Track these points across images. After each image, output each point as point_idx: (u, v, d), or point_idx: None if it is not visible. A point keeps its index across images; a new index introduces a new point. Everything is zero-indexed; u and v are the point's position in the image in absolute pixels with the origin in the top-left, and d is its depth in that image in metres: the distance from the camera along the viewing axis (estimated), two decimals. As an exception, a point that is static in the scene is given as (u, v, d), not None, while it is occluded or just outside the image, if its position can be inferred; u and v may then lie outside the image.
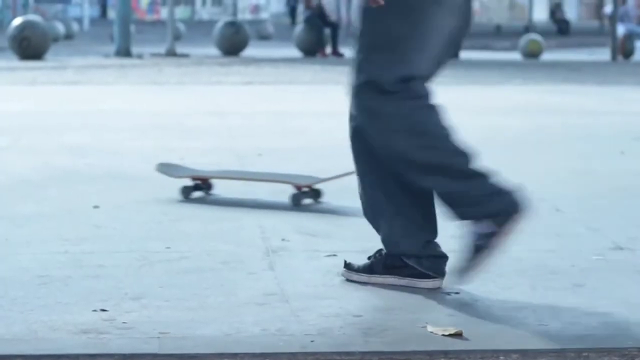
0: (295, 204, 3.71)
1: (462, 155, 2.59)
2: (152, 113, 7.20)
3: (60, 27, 23.75)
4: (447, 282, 2.71)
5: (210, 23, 23.69)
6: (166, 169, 3.93)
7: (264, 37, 24.81)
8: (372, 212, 2.70)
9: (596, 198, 4.04)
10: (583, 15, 55.73)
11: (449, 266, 2.68)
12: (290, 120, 6.79)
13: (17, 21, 14.89)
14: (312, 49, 17.75)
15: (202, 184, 3.92)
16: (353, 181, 4.31)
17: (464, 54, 20.75)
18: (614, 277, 2.84)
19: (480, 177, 2.58)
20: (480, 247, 2.58)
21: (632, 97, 9.15)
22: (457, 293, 2.65)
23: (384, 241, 2.70)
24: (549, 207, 3.83)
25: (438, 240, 2.71)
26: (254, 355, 2.20)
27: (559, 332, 2.37)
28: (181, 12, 35.80)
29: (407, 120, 2.58)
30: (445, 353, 2.22)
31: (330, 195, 4.02)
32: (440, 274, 2.66)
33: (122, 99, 8.42)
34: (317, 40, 17.75)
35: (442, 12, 2.59)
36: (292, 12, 34.13)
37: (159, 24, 29.54)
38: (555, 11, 43.34)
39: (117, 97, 8.60)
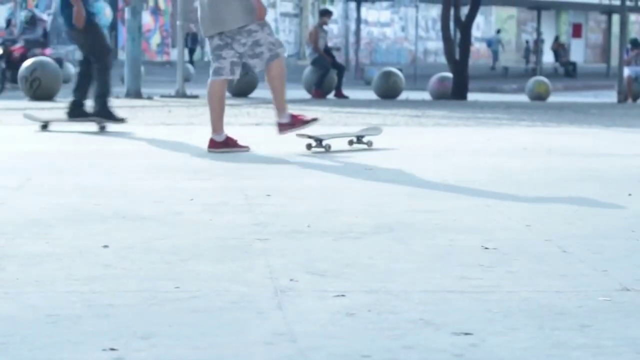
0: None
1: None
2: (161, 153, 7.25)
3: (71, 68, 23.89)
4: (456, 323, 2.72)
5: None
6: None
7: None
8: None
9: (603, 239, 4.05)
10: (590, 58, 55.91)
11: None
12: (299, 160, 6.82)
13: (28, 62, 15.01)
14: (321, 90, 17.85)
15: None
16: (362, 220, 4.33)
17: (472, 96, 20.78)
18: (621, 318, 2.84)
19: None
20: None
21: (639, 139, 9.17)
22: (466, 334, 2.66)
23: None
24: (556, 248, 3.85)
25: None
26: (262, 394, 2.21)
27: (566, 372, 2.37)
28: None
29: None
30: (453, 393, 2.23)
31: (339, 234, 4.04)
32: None
33: (131, 139, 8.47)
34: (317, 80, 17.88)
35: None
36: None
37: (168, 65, 29.71)
38: (561, 54, 43.64)
39: (127, 137, 8.65)
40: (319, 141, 7.47)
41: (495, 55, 43.58)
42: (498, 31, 46.95)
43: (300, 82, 17.99)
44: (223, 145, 7.31)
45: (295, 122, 7.39)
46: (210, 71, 7.44)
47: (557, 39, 45.87)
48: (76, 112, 9.24)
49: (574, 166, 6.69)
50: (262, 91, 16.97)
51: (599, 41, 56.21)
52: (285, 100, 7.37)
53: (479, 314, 2.80)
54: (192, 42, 35.15)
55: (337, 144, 7.93)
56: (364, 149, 7.71)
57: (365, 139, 7.87)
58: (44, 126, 9.14)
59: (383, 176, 6.03)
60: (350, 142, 7.89)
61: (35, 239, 3.92)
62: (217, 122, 7.34)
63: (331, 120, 10.95)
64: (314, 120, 7.50)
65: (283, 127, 7.40)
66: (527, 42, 47.08)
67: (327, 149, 7.49)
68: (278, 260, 3.55)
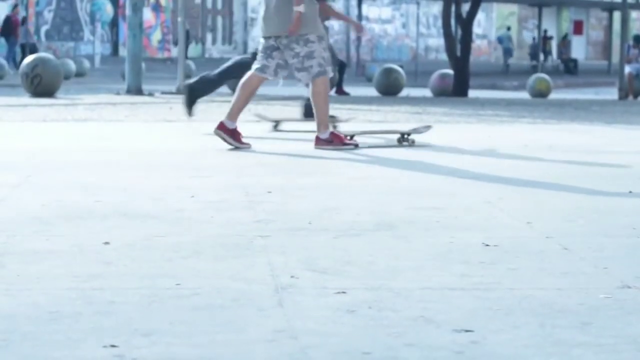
0: None
1: None
2: (162, 150, 7.25)
3: (71, 65, 23.91)
4: (457, 320, 2.72)
5: (221, 61, 23.82)
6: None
7: (273, 76, 24.97)
8: None
9: (604, 237, 4.05)
10: (591, 55, 55.89)
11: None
12: (299, 158, 6.82)
13: (29, 59, 15.01)
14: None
15: None
16: (363, 218, 4.34)
17: (473, 93, 20.77)
18: (622, 316, 2.84)
19: None
20: None
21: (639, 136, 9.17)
22: (466, 331, 2.66)
23: None
24: (557, 245, 3.85)
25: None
26: (263, 391, 2.21)
27: (567, 370, 2.37)
28: (192, 50, 36.00)
29: None
30: (454, 391, 2.23)
31: (340, 231, 4.04)
32: None
33: (132, 136, 8.47)
34: None
35: None
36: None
37: (169, 61, 29.73)
38: (562, 51, 43.73)
39: (128, 134, 8.65)
40: (351, 136, 7.55)
41: (509, 52, 43.39)
42: (508, 28, 46.89)
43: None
44: (229, 133, 7.35)
45: (334, 141, 7.34)
46: (255, 65, 7.40)
47: (565, 37, 46.04)
48: (312, 112, 9.21)
49: (574, 163, 6.69)
50: (263, 88, 16.94)
51: (600, 38, 56.19)
52: (327, 117, 7.34)
53: (480, 312, 2.80)
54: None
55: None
56: (365, 147, 7.71)
57: (410, 137, 7.88)
58: (276, 125, 9.17)
59: (384, 173, 6.03)
60: (400, 140, 7.87)
61: (35, 236, 3.93)
62: (236, 111, 7.39)
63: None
64: (355, 146, 7.42)
65: (320, 143, 7.35)
66: (534, 39, 47.06)
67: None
68: (279, 258, 3.55)
